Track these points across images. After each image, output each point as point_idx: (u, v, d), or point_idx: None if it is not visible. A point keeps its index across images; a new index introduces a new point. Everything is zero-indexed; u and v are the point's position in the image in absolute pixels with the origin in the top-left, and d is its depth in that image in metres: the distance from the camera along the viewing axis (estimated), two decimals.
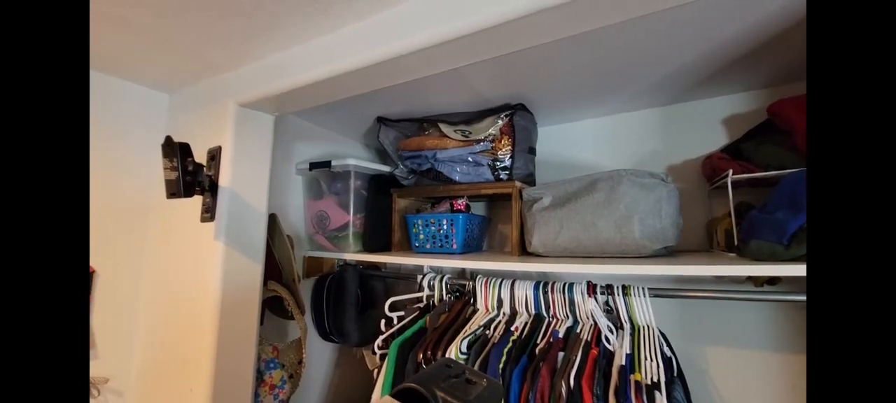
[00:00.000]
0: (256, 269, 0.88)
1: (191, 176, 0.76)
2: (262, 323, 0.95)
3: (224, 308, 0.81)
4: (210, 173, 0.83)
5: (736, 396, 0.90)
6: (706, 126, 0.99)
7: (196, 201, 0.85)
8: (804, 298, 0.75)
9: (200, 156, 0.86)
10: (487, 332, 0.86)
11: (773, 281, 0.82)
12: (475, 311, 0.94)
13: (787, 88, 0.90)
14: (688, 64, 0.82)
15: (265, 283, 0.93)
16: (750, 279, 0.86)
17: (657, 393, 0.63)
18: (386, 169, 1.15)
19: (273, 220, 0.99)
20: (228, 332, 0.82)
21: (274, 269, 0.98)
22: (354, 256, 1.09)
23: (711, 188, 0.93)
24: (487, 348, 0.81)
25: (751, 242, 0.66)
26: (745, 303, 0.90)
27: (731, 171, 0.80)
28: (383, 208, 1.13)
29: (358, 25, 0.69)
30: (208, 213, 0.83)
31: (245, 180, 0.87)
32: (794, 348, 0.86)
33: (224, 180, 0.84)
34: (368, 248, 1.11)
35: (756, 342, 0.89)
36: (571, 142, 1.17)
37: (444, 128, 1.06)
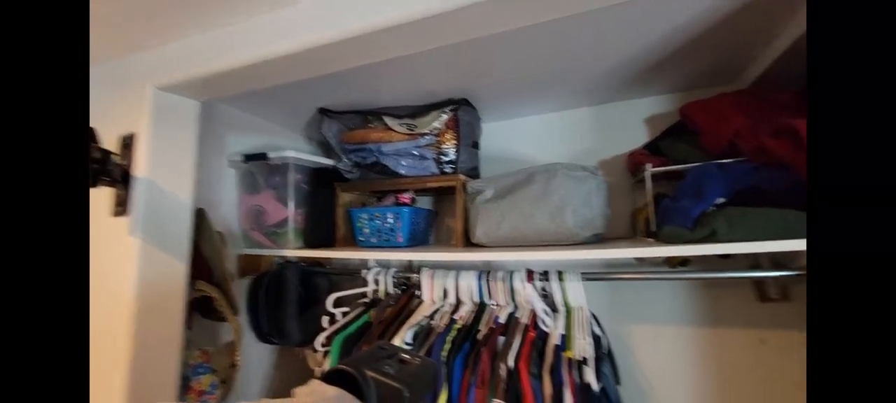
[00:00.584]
0: (180, 268, 0.81)
1: (97, 164, 0.68)
2: (190, 326, 0.88)
3: (142, 311, 0.74)
4: (123, 162, 0.75)
5: (655, 367, 0.99)
6: (632, 125, 1.09)
7: (107, 193, 0.76)
8: (710, 275, 0.86)
9: (112, 144, 0.77)
10: (432, 322, 0.87)
11: (684, 262, 0.93)
12: (421, 303, 0.95)
13: (697, 92, 1.01)
14: (615, 66, 0.89)
15: (192, 283, 0.86)
16: (667, 261, 0.95)
17: (585, 368, 0.68)
18: (328, 162, 1.12)
19: (201, 216, 0.92)
20: (147, 338, 0.74)
21: (203, 268, 0.91)
22: (295, 253, 1.05)
23: (635, 181, 1.02)
24: (432, 337, 0.82)
25: (663, 227, 0.74)
26: (664, 283, 1.00)
27: (649, 166, 0.88)
28: (325, 202, 1.09)
29: (296, 7, 0.66)
30: (121, 207, 0.75)
31: (166, 171, 0.79)
32: (703, 322, 0.97)
33: (140, 170, 0.76)
34: (310, 244, 1.07)
35: (672, 318, 0.99)
36: (514, 138, 1.21)
37: (388, 121, 1.05)
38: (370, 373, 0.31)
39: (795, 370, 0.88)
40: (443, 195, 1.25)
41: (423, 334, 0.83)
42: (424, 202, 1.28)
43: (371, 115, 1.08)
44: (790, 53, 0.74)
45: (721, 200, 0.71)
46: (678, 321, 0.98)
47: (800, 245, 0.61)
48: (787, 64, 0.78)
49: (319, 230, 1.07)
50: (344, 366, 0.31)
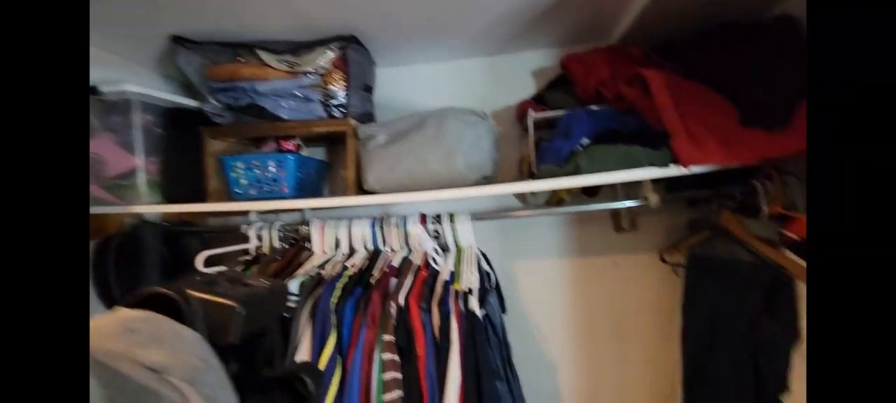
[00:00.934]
0: None
1: None
2: None
3: None
4: None
5: (534, 296, 1.12)
6: (521, 77, 1.14)
7: None
8: (576, 209, 0.96)
9: None
10: (322, 272, 0.83)
11: (560, 202, 1.03)
12: (311, 255, 0.90)
13: (576, 47, 1.09)
14: (504, 12, 0.90)
15: None
16: (547, 202, 1.05)
17: (470, 297, 0.72)
18: (191, 102, 0.95)
19: None
20: None
21: None
22: (151, 209, 0.88)
23: (522, 130, 1.08)
24: (321, 286, 0.78)
25: (541, 166, 0.81)
26: (543, 221, 1.11)
27: (531, 111, 0.94)
28: (190, 149, 0.93)
29: None
30: None
31: None
32: (573, 254, 1.11)
33: None
34: (172, 198, 0.91)
35: (549, 252, 1.11)
36: (409, 86, 1.18)
37: (263, 55, 0.92)
38: (195, 293, 0.26)
39: (639, 289, 1.07)
40: (336, 144, 1.17)
41: (311, 283, 0.79)
42: (317, 154, 1.19)
43: (241, 48, 0.93)
44: (646, 13, 0.84)
45: (586, 141, 0.79)
46: (554, 254, 1.11)
47: (642, 174, 0.72)
48: (645, 22, 0.88)
49: (183, 182, 0.92)
50: (158, 288, 0.26)
